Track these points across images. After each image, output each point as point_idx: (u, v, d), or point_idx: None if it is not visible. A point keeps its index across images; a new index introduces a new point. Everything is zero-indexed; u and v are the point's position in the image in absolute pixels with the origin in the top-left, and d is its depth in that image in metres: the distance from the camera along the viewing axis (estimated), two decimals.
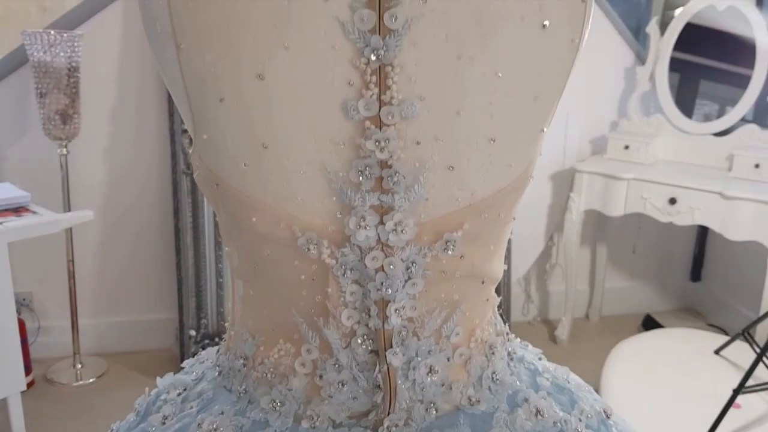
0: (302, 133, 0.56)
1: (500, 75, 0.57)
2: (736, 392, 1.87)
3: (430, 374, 0.63)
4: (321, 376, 0.62)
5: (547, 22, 0.58)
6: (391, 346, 0.61)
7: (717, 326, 2.95)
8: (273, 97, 0.55)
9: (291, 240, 0.58)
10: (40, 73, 2.18)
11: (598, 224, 2.96)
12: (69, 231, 2.35)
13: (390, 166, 0.57)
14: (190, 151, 0.63)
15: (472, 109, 0.57)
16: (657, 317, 3.04)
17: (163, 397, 0.70)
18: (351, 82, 0.55)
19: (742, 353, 2.25)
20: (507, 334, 0.70)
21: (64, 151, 2.28)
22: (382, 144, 0.56)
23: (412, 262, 0.59)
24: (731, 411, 1.97)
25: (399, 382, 0.62)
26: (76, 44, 2.20)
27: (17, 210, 2.03)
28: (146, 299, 2.63)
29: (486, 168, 0.59)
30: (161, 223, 2.56)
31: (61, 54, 2.18)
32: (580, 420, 0.67)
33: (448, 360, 0.64)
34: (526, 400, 0.66)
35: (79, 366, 2.46)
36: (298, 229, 0.58)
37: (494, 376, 0.66)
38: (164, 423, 0.66)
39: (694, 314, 3.18)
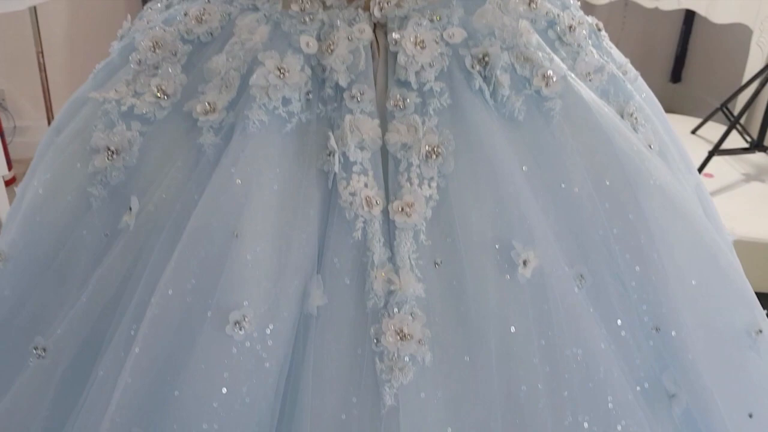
0: None
1: None
2: (711, 153, 1.92)
3: None
4: None
5: None
6: None
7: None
8: None
9: None
10: None
11: None
12: (35, 22, 2.25)
13: None
14: None
15: None
16: None
17: (147, 11, 0.68)
18: None
19: (720, 133, 2.28)
20: None
21: None
22: None
23: None
24: (705, 180, 2.03)
25: None
26: None
27: None
28: None
29: None
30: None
31: None
32: (573, 19, 0.66)
33: None
34: None
35: None
36: None
37: None
38: (148, 24, 0.65)
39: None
